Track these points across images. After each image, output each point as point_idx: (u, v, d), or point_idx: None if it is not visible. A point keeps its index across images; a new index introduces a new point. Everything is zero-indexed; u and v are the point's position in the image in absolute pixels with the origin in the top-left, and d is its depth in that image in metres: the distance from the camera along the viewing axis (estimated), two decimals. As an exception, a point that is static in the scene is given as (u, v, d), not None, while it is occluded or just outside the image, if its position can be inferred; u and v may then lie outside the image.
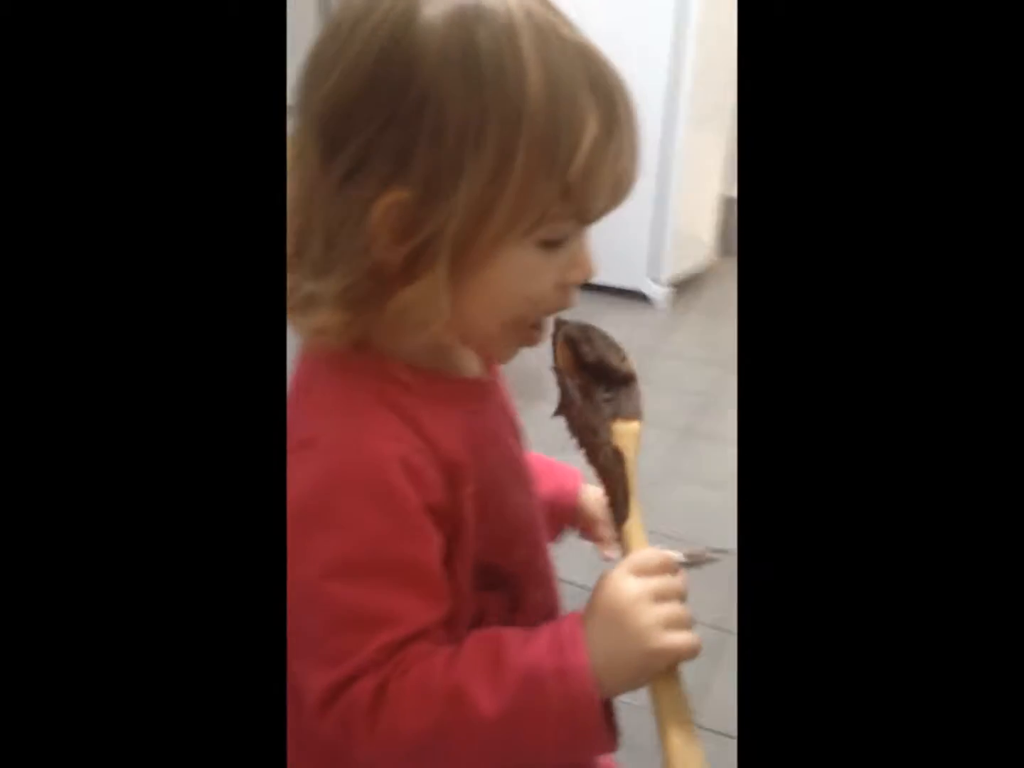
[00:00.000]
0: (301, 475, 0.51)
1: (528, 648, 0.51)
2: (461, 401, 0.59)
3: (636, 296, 3.22)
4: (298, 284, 0.53)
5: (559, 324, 0.59)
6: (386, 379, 0.55)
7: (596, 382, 0.60)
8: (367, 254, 0.51)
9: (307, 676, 0.52)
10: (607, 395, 0.59)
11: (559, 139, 0.49)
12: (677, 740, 0.50)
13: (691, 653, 0.51)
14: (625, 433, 0.59)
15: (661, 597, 0.51)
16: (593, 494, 0.78)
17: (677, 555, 0.82)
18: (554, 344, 0.60)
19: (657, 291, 3.20)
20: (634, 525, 0.56)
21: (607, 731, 0.51)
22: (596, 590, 0.53)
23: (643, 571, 0.52)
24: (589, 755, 0.56)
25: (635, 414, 0.60)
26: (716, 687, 1.29)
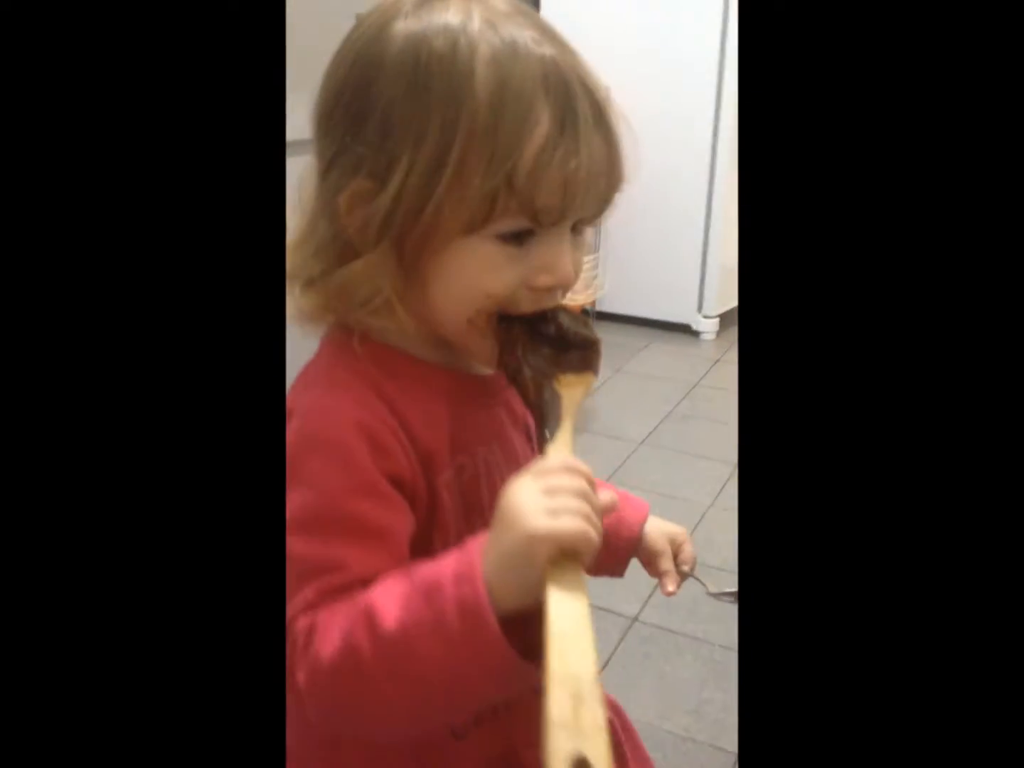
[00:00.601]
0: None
1: (436, 562, 0.51)
2: (456, 394, 0.62)
3: (684, 329, 3.24)
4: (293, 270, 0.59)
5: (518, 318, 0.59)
6: (373, 362, 0.59)
7: (553, 348, 0.60)
8: (338, 240, 0.57)
9: None
10: (560, 355, 0.60)
11: (499, 137, 0.52)
12: (557, 593, 0.46)
13: (575, 537, 0.48)
14: (572, 382, 0.60)
15: (552, 491, 0.50)
16: (659, 527, 0.79)
17: (728, 588, 0.82)
18: (509, 328, 0.60)
19: (704, 325, 3.21)
20: (556, 450, 0.56)
21: (505, 644, 0.48)
22: None
23: (540, 472, 0.51)
24: (495, 677, 0.50)
25: (587, 369, 0.61)
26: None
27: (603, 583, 0.85)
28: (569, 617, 0.46)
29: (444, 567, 0.50)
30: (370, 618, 0.50)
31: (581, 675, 0.43)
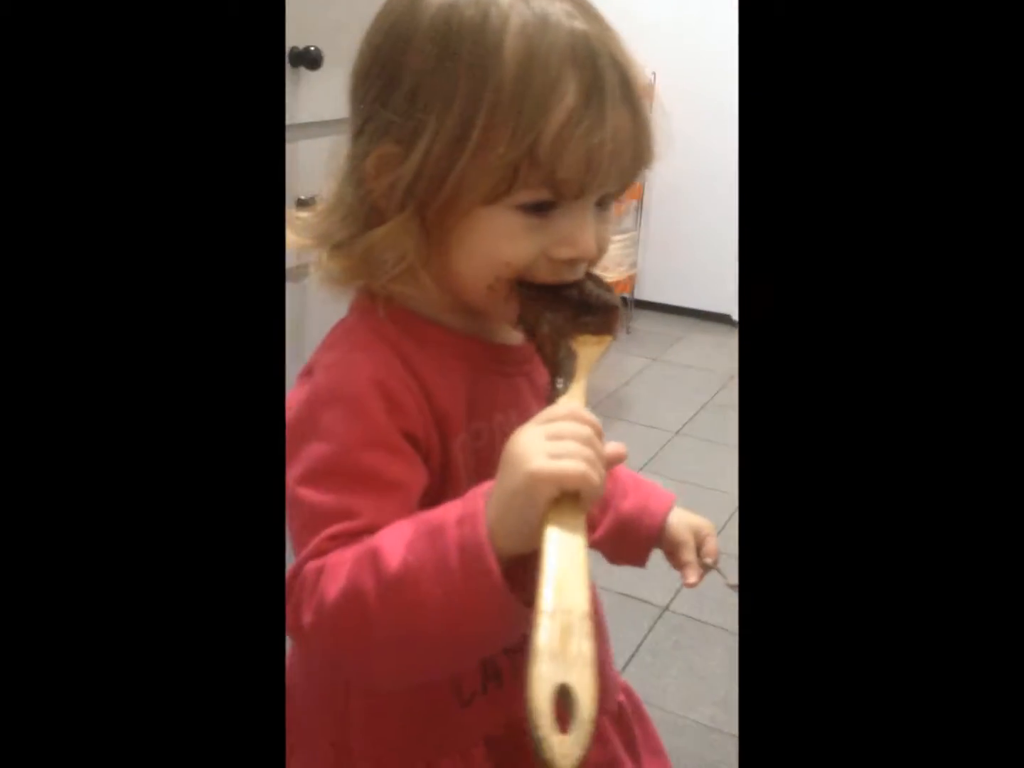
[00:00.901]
0: (298, 397, 0.58)
1: (442, 508, 0.52)
2: (476, 360, 0.62)
3: (723, 320, 3.21)
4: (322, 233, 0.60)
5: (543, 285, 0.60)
6: (396, 326, 0.60)
7: (574, 310, 0.60)
8: (365, 204, 0.58)
9: None
10: (580, 317, 0.60)
11: (523, 108, 0.53)
12: (556, 531, 0.46)
13: (576, 479, 0.48)
14: (588, 342, 0.60)
15: (556, 436, 0.50)
16: (684, 518, 0.78)
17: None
18: (531, 287, 0.60)
19: (744, 315, 3.18)
20: (567, 401, 0.55)
21: (504, 585, 0.48)
22: None
23: (545, 419, 0.52)
24: (493, 619, 0.50)
25: (606, 332, 0.61)
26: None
27: (635, 573, 0.85)
28: (565, 553, 0.46)
29: (449, 511, 0.51)
30: (375, 559, 0.51)
31: (573, 608, 0.43)
